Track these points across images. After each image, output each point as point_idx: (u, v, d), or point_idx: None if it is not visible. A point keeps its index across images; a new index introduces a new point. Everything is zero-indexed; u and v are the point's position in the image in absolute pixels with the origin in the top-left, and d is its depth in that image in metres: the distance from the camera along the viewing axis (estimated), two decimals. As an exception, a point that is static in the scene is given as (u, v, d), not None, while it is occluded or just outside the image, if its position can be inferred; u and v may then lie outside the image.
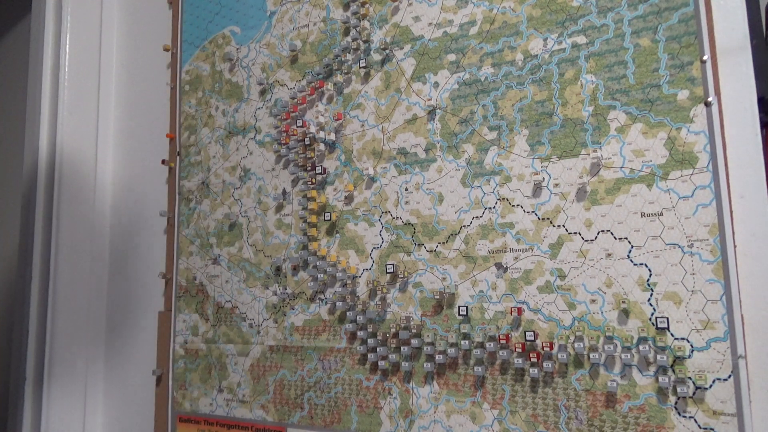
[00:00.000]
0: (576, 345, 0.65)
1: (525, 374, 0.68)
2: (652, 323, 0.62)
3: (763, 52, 0.72)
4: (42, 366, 1.01)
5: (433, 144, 0.77)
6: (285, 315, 0.87)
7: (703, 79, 0.62)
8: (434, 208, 0.76)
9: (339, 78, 0.86)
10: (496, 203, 0.72)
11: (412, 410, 0.75)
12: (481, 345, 0.71)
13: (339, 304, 0.82)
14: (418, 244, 0.77)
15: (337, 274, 0.83)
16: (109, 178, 1.13)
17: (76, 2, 1.11)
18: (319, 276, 0.84)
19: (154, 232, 1.05)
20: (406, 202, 0.79)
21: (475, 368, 0.71)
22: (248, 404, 0.89)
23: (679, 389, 0.59)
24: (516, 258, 0.70)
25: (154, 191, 1.06)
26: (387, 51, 0.83)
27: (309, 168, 0.87)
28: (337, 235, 0.84)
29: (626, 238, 0.64)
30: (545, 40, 0.71)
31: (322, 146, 0.87)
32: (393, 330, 0.77)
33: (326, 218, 0.85)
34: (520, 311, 0.69)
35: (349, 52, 0.86)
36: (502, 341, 0.69)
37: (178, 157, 1.03)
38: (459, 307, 0.73)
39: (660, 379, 0.60)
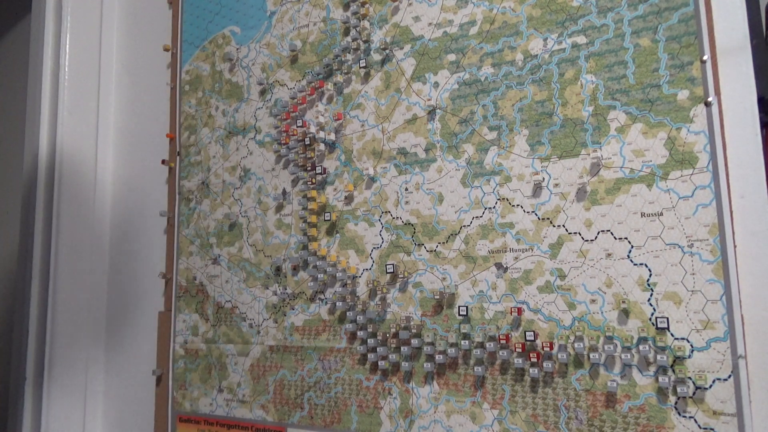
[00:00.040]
0: (576, 345, 0.65)
1: (525, 374, 0.68)
2: (652, 323, 0.62)
3: (763, 52, 0.72)
4: (42, 366, 1.01)
5: (433, 144, 0.77)
6: (285, 315, 0.87)
7: (703, 79, 0.62)
8: (434, 208, 0.76)
9: (339, 78, 0.86)
10: (496, 203, 0.72)
11: (412, 410, 0.75)
12: (481, 345, 0.71)
13: (339, 304, 0.82)
14: (418, 244, 0.77)
15: (337, 274, 0.83)
16: (109, 178, 1.13)
17: (76, 2, 1.11)
18: (319, 276, 0.84)
19: (154, 232, 1.05)
20: (406, 202, 0.79)
21: (475, 368, 0.71)
22: (248, 404, 0.89)
23: (679, 389, 0.59)
24: (516, 258, 0.70)
25: (154, 191, 1.06)
26: (387, 51, 0.83)
27: (309, 168, 0.87)
28: (337, 235, 0.84)
29: (626, 238, 0.64)
30: (545, 40, 0.71)
31: (322, 146, 0.87)
32: (393, 330, 0.77)
33: (326, 218, 0.85)
34: (520, 311, 0.69)
35: (349, 52, 0.86)
36: (502, 341, 0.69)
37: (178, 157, 1.03)
38: (459, 307, 0.73)
39: (660, 379, 0.60)
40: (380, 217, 0.80)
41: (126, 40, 1.16)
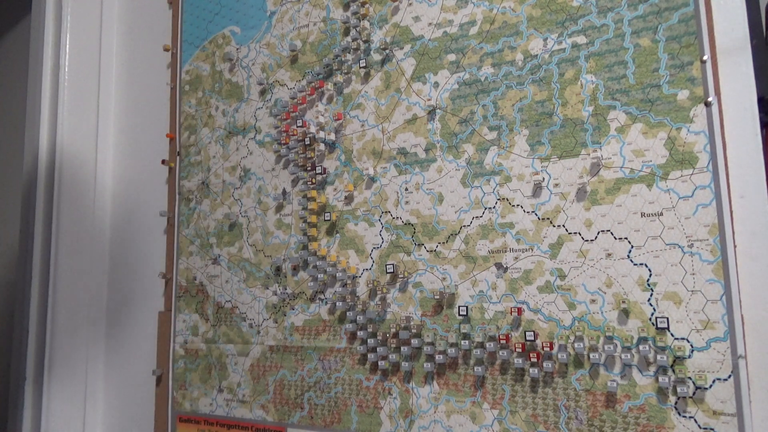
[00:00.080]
0: (576, 345, 0.65)
1: (525, 374, 0.68)
2: (652, 323, 0.62)
3: (763, 52, 0.72)
4: (42, 366, 1.01)
5: (433, 144, 0.77)
6: (285, 315, 0.87)
7: (703, 79, 0.62)
8: (434, 208, 0.76)
9: (339, 78, 0.86)
10: (496, 203, 0.72)
11: (412, 410, 0.75)
12: (481, 345, 0.71)
13: (339, 304, 0.82)
14: (418, 244, 0.77)
15: (337, 274, 0.83)
16: (109, 178, 1.13)
17: (76, 2, 1.11)
18: (319, 276, 0.84)
19: (154, 232, 1.05)
20: (406, 202, 0.79)
21: (475, 368, 0.71)
22: (248, 404, 0.89)
23: (679, 389, 0.59)
24: (516, 258, 0.70)
25: (154, 191, 1.06)
26: (387, 51, 0.83)
27: (309, 168, 0.87)
28: (337, 235, 0.84)
29: (626, 238, 0.64)
30: (545, 40, 0.71)
31: (322, 146, 0.87)
32: (393, 330, 0.77)
33: (326, 218, 0.85)
34: (520, 311, 0.69)
35: (349, 52, 0.86)
36: (502, 341, 0.69)
37: (178, 157, 1.03)
38: (459, 307, 0.73)
39: (660, 379, 0.60)
40: (380, 217, 0.80)
41: (126, 40, 1.16)
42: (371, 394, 0.78)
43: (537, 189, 0.70)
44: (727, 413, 0.58)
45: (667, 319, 0.61)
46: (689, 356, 0.60)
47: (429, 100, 0.78)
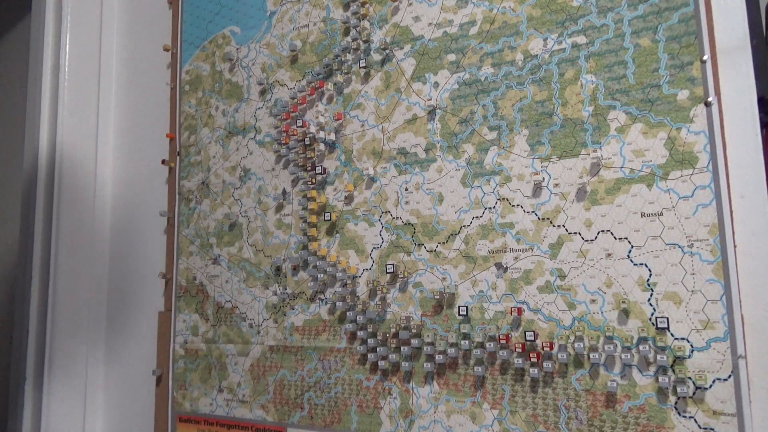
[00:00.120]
0: (576, 345, 0.65)
1: (525, 374, 0.68)
2: (652, 323, 0.62)
3: (763, 52, 0.72)
4: (42, 366, 1.01)
5: (433, 144, 0.77)
6: (285, 315, 0.87)
7: (703, 79, 0.62)
8: (434, 208, 0.76)
9: (339, 78, 0.86)
10: (496, 203, 0.72)
11: (412, 410, 0.75)
12: (481, 345, 0.71)
13: (339, 304, 0.82)
14: (418, 244, 0.77)
15: (337, 274, 0.83)
16: (109, 178, 1.13)
17: (76, 2, 1.10)
18: (319, 276, 0.84)
19: (154, 232, 1.05)
20: (406, 202, 0.79)
21: (475, 368, 0.71)
22: (248, 404, 0.89)
23: (679, 389, 0.59)
24: (516, 258, 0.70)
25: (154, 191, 1.06)
26: (387, 51, 0.83)
27: (309, 168, 0.87)
28: (337, 235, 0.84)
29: (626, 238, 0.64)
30: (545, 40, 0.71)
31: (322, 146, 0.87)
32: (393, 330, 0.77)
33: (326, 218, 0.85)
34: (520, 311, 0.69)
35: (349, 52, 0.86)
36: (502, 341, 0.69)
37: (178, 157, 1.03)
38: (459, 307, 0.73)
39: (660, 379, 0.60)
40: (380, 217, 0.80)
41: (126, 40, 1.16)
42: (371, 394, 0.78)
43: (537, 189, 0.70)
44: (727, 413, 0.58)
45: (667, 319, 0.61)
46: (689, 356, 0.60)
47: (429, 100, 0.78)
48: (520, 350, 0.68)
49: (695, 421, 0.59)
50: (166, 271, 1.01)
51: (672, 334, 0.61)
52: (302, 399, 0.84)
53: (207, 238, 0.97)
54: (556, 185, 0.69)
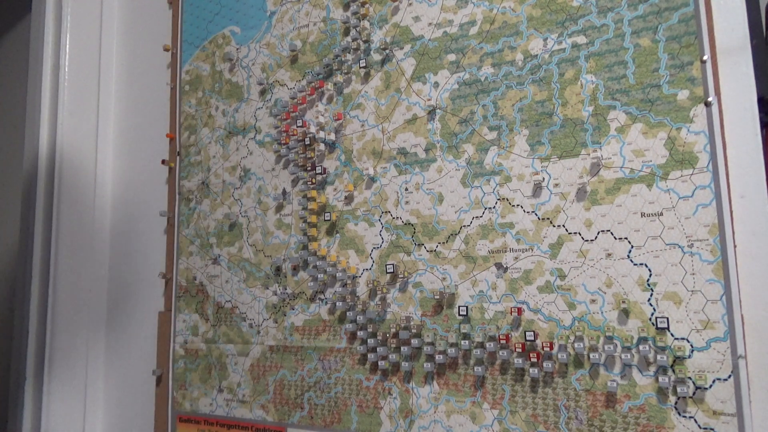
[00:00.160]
0: (576, 345, 0.65)
1: (525, 374, 0.68)
2: (652, 323, 0.62)
3: (763, 52, 0.72)
4: (42, 366, 1.01)
5: (433, 144, 0.77)
6: (285, 315, 0.87)
7: (703, 79, 0.62)
8: (434, 208, 0.76)
9: (339, 78, 0.86)
10: (496, 203, 0.72)
11: (412, 410, 0.75)
12: (481, 345, 0.71)
13: (339, 304, 0.82)
14: (418, 244, 0.77)
15: (337, 274, 0.83)
16: (109, 178, 1.13)
17: (76, 2, 1.11)
18: (319, 276, 0.84)
19: (154, 232, 1.05)
20: (406, 202, 0.79)
21: (475, 368, 0.71)
22: (248, 404, 0.89)
23: (679, 389, 0.59)
24: (516, 258, 0.70)
25: (154, 191, 1.06)
26: (387, 51, 0.83)
27: (309, 168, 0.87)
28: (337, 235, 0.84)
29: (626, 238, 0.64)
30: (545, 40, 0.71)
31: (322, 146, 0.87)
32: (393, 330, 0.77)
33: (326, 218, 0.85)
34: (520, 311, 0.69)
35: (349, 52, 0.86)
36: (502, 341, 0.69)
37: (178, 157, 1.03)
38: (459, 307, 0.73)
39: (660, 379, 0.60)
40: (380, 217, 0.80)
41: (126, 40, 1.16)
42: (371, 394, 0.78)
43: (537, 189, 0.70)
44: (727, 413, 0.58)
45: (667, 319, 0.61)
46: (689, 356, 0.60)
47: (429, 100, 0.78)
48: (520, 350, 0.68)
49: (695, 421, 0.59)
50: (166, 271, 1.01)
51: (672, 334, 0.61)
52: (302, 399, 0.84)
53: (207, 238, 0.97)
54: (556, 185, 0.69)
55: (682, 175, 0.62)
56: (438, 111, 0.78)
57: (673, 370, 0.60)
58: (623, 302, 0.63)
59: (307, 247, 0.86)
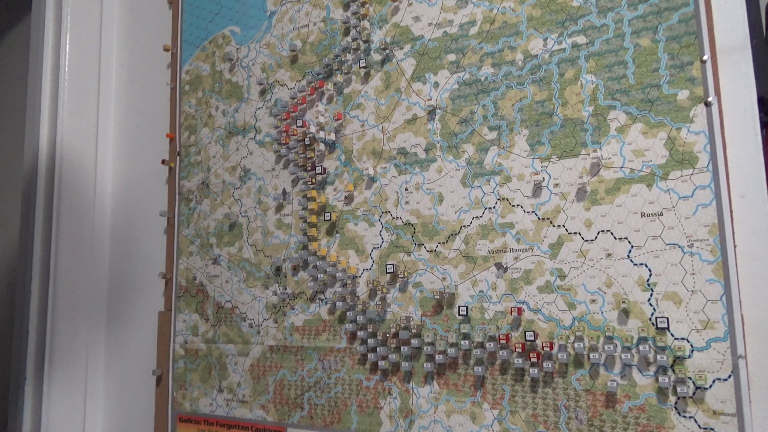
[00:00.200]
0: (576, 345, 0.65)
1: (525, 374, 0.68)
2: (652, 323, 0.62)
3: (763, 52, 0.72)
4: (42, 366, 1.01)
5: (433, 144, 0.77)
6: (285, 315, 0.87)
7: (703, 79, 0.62)
8: (434, 208, 0.76)
9: (339, 78, 0.86)
10: (496, 203, 0.72)
11: (412, 410, 0.75)
12: (481, 345, 0.71)
13: (339, 304, 0.82)
14: (418, 244, 0.77)
15: (337, 274, 0.83)
16: (109, 178, 1.13)
17: (76, 2, 1.11)
18: (319, 276, 0.84)
19: (154, 232, 1.05)
20: (406, 202, 0.79)
21: (475, 368, 0.71)
22: (248, 404, 0.89)
23: (679, 389, 0.59)
24: (516, 258, 0.70)
25: (154, 191, 1.06)
26: (387, 51, 0.83)
27: (309, 168, 0.87)
28: (337, 235, 0.84)
29: (626, 238, 0.64)
30: (545, 40, 0.71)
31: (322, 146, 0.87)
32: (393, 330, 0.77)
33: (326, 218, 0.85)
34: (520, 311, 0.69)
35: (349, 52, 0.86)
36: (502, 341, 0.69)
37: (178, 157, 1.03)
38: (459, 307, 0.73)
39: (660, 379, 0.60)
40: (380, 217, 0.80)
41: (126, 40, 1.16)
42: (371, 394, 0.78)
43: (537, 189, 0.70)
44: (727, 413, 0.58)
45: (667, 319, 0.61)
46: (689, 356, 0.60)
47: (429, 100, 0.78)
48: (520, 350, 0.68)
49: (695, 421, 0.59)
50: (166, 271, 1.01)
51: (672, 334, 0.61)
52: (302, 399, 0.84)
53: (207, 238, 0.97)
54: (556, 185, 0.69)
55: (682, 175, 0.62)
56: (438, 111, 0.78)
57: (673, 370, 0.60)
58: (623, 302, 0.63)
59: (307, 247, 0.86)
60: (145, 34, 1.13)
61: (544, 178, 0.70)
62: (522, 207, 0.71)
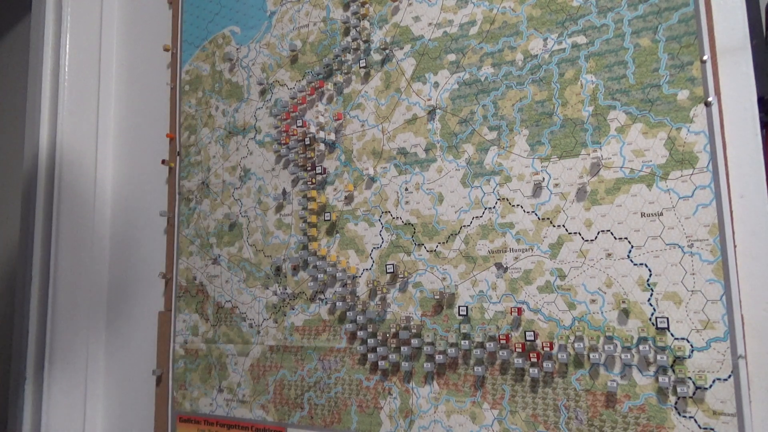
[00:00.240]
0: (576, 345, 0.65)
1: (525, 374, 0.68)
2: (652, 323, 0.62)
3: (763, 52, 0.72)
4: (42, 366, 1.01)
5: (433, 144, 0.77)
6: (285, 315, 0.87)
7: (703, 79, 0.62)
8: (434, 208, 0.76)
9: (339, 78, 0.86)
10: (496, 203, 0.72)
11: (412, 410, 0.75)
12: (481, 345, 0.71)
13: (339, 304, 0.82)
14: (418, 244, 0.77)
15: (337, 274, 0.83)
16: (109, 178, 1.13)
17: (76, 2, 1.11)
18: (319, 276, 0.84)
19: (154, 232, 1.05)
20: (406, 202, 0.79)
21: (475, 368, 0.71)
22: (248, 404, 0.89)
23: (679, 389, 0.59)
24: (516, 258, 0.70)
25: (154, 191, 1.06)
26: (387, 51, 0.83)
27: (309, 168, 0.87)
28: (337, 235, 0.84)
29: (626, 238, 0.64)
30: (545, 40, 0.71)
31: (322, 146, 0.87)
32: (393, 330, 0.77)
33: (326, 218, 0.85)
34: (520, 311, 0.69)
35: (349, 52, 0.86)
36: (502, 341, 0.69)
37: (178, 157, 1.03)
38: (459, 307, 0.73)
39: (660, 379, 0.60)
40: (380, 217, 0.80)
41: (126, 40, 1.16)
42: (371, 394, 0.78)
43: (537, 189, 0.70)
44: (727, 413, 0.58)
45: (667, 319, 0.61)
46: (689, 356, 0.60)
47: (429, 100, 0.78)
48: (520, 350, 0.68)
49: (695, 421, 0.59)
50: (166, 271, 1.01)
51: (672, 334, 0.61)
52: (302, 399, 0.84)
53: (207, 238, 0.97)
54: (556, 185, 0.69)
55: (682, 175, 0.62)
56: (438, 111, 0.78)
57: (673, 370, 0.60)
58: (623, 302, 0.63)
59: (307, 247, 0.86)
60: (145, 34, 1.13)
61: (544, 178, 0.70)
62: (522, 207, 0.71)
